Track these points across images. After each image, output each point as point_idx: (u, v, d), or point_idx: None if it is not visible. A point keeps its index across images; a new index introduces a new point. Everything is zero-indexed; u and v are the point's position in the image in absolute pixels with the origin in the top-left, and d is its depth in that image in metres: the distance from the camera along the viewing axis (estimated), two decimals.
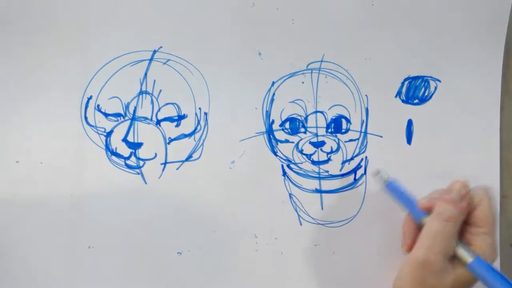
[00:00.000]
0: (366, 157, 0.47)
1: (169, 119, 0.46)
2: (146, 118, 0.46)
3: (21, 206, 0.45)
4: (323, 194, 0.47)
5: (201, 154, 0.46)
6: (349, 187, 0.47)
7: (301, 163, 0.47)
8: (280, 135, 0.47)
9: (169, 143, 0.46)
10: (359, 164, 0.47)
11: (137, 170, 0.46)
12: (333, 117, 0.47)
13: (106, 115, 0.46)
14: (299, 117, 0.47)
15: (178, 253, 0.46)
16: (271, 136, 0.47)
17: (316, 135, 0.47)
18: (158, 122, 0.46)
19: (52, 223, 0.45)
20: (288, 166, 0.47)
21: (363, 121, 0.47)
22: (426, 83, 0.47)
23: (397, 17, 0.47)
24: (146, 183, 0.46)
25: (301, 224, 0.46)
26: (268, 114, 0.47)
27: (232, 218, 0.46)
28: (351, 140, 0.47)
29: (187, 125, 0.46)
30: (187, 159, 0.46)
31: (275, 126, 0.47)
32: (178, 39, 0.46)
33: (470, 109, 0.47)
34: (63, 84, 0.46)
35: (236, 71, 0.47)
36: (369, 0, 0.47)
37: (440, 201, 0.38)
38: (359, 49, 0.47)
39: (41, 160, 0.45)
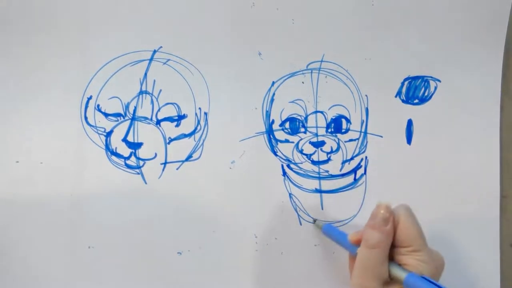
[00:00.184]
0: (366, 157, 0.47)
1: (169, 119, 0.46)
2: (146, 118, 0.46)
3: (21, 206, 0.45)
4: (323, 194, 0.47)
5: (201, 154, 0.46)
6: (349, 187, 0.47)
7: (301, 163, 0.47)
8: (280, 135, 0.47)
9: (169, 143, 0.46)
10: (359, 164, 0.47)
11: (137, 170, 0.46)
12: (333, 117, 0.47)
13: (106, 115, 0.46)
14: (299, 117, 0.47)
15: (178, 253, 0.46)
16: (271, 136, 0.47)
17: (316, 135, 0.47)
18: (158, 122, 0.46)
19: (52, 223, 0.45)
20: (288, 166, 0.47)
21: (363, 121, 0.47)
22: (426, 83, 0.47)
23: (397, 17, 0.47)
24: (146, 183, 0.46)
25: (301, 224, 0.46)
26: (268, 114, 0.47)
27: (232, 218, 0.46)
28: (351, 140, 0.47)
29: (187, 125, 0.46)
30: (187, 159, 0.46)
31: (275, 126, 0.47)
32: (178, 39, 0.46)
33: (470, 109, 0.47)
34: (63, 84, 0.46)
35: (236, 71, 0.47)
36: (369, 0, 0.47)
37: (366, 229, 0.38)
38: (359, 49, 0.47)
39: (41, 160, 0.45)
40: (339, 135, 0.47)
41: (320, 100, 0.47)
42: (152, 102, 0.46)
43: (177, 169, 0.46)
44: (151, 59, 0.46)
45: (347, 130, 0.47)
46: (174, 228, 0.46)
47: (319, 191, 0.47)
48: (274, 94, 0.47)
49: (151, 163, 0.46)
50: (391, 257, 0.37)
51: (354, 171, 0.47)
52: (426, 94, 0.47)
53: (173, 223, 0.46)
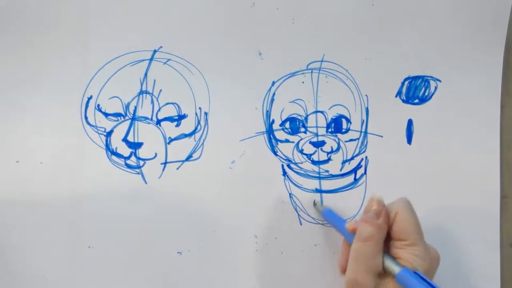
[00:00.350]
0: (366, 157, 0.47)
1: (169, 119, 0.46)
2: (146, 118, 0.46)
3: (21, 206, 0.45)
4: (323, 194, 0.47)
5: (201, 154, 0.46)
6: (349, 187, 0.47)
7: (301, 163, 0.47)
8: (280, 135, 0.47)
9: (169, 143, 0.46)
10: (359, 164, 0.47)
11: (137, 170, 0.46)
12: (333, 117, 0.47)
13: (106, 115, 0.46)
14: (299, 117, 0.47)
15: (178, 253, 0.46)
16: (271, 136, 0.47)
17: (316, 135, 0.47)
18: (158, 122, 0.46)
19: (52, 223, 0.45)
20: (288, 166, 0.47)
21: (363, 121, 0.47)
22: (426, 83, 0.47)
23: (397, 17, 0.47)
24: (146, 183, 0.46)
25: (301, 224, 0.46)
26: (268, 114, 0.47)
27: (232, 218, 0.46)
28: (351, 140, 0.47)
29: (187, 125, 0.46)
30: (187, 159, 0.46)
31: (275, 126, 0.47)
32: (178, 39, 0.46)
33: (470, 109, 0.47)
34: (63, 84, 0.46)
35: (236, 71, 0.47)
36: (369, 0, 0.47)
37: (359, 222, 0.38)
38: (359, 49, 0.47)
39: (41, 160, 0.45)
40: (339, 135, 0.47)
41: (320, 100, 0.47)
42: (152, 102, 0.46)
43: (177, 169, 0.46)
44: (151, 59, 0.46)
45: (347, 130, 0.47)
46: (174, 228, 0.46)
47: (319, 191, 0.47)
48: (274, 94, 0.47)
49: (151, 163, 0.46)
50: (387, 250, 0.37)
51: (354, 171, 0.47)
52: (426, 94, 0.47)
53: (173, 223, 0.46)
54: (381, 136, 0.47)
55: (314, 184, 0.47)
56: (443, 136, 0.47)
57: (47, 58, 0.46)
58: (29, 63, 0.46)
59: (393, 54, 0.47)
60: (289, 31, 0.47)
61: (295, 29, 0.47)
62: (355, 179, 0.47)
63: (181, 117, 0.46)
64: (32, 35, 0.46)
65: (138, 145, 0.46)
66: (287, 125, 0.47)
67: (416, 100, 0.47)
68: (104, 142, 0.46)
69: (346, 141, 0.47)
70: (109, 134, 0.46)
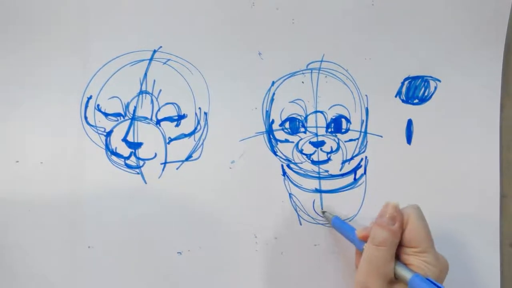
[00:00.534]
0: (366, 157, 0.47)
1: (169, 119, 0.46)
2: (146, 118, 0.46)
3: (21, 206, 0.45)
4: (323, 194, 0.47)
5: (201, 154, 0.46)
6: (349, 187, 0.47)
7: (301, 163, 0.47)
8: (280, 135, 0.47)
9: (169, 143, 0.46)
10: (359, 164, 0.47)
11: (137, 170, 0.46)
12: (333, 117, 0.47)
13: (106, 115, 0.46)
14: (299, 117, 0.47)
15: (178, 253, 0.46)
16: (271, 136, 0.47)
17: (316, 135, 0.47)
18: (158, 122, 0.46)
19: (52, 223, 0.45)
20: (288, 166, 0.47)
21: (363, 121, 0.47)
22: (426, 83, 0.47)
23: (397, 17, 0.47)
24: (146, 183, 0.46)
25: (301, 224, 0.46)
26: (268, 114, 0.47)
27: (232, 218, 0.46)
28: (351, 140, 0.47)
29: (187, 125, 0.46)
30: (187, 159, 0.46)
31: (275, 126, 0.47)
32: (178, 39, 0.46)
33: (470, 109, 0.47)
34: (63, 84, 0.46)
35: (236, 71, 0.47)
36: (369, 0, 0.47)
37: (374, 226, 0.38)
38: (359, 49, 0.47)
39: (41, 160, 0.45)
40: (339, 135, 0.47)
41: (320, 100, 0.47)
42: (152, 102, 0.46)
43: (177, 169, 0.46)
44: (151, 59, 0.46)
45: (347, 130, 0.47)
46: (174, 228, 0.46)
47: (319, 191, 0.47)
48: (274, 94, 0.47)
49: (151, 163, 0.46)
50: (397, 256, 0.37)
51: (354, 171, 0.47)
52: (426, 94, 0.47)
53: (173, 223, 0.46)
54: (381, 136, 0.47)
55: (314, 184, 0.47)
56: (443, 136, 0.47)
57: (47, 58, 0.46)
58: (29, 63, 0.46)
59: (393, 54, 0.47)
60: (289, 31, 0.47)
61: (295, 29, 0.47)
62: (354, 179, 0.47)
63: (181, 117, 0.46)
64: (32, 35, 0.46)
65: (138, 145, 0.46)
66: (287, 125, 0.47)
67: (416, 100, 0.47)
68: (104, 142, 0.46)
69: (345, 141, 0.47)
70: (109, 134, 0.46)
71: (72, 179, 0.45)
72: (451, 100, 0.47)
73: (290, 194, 0.46)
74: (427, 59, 0.47)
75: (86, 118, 0.46)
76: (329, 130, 0.47)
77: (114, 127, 0.46)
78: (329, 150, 0.47)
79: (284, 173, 0.47)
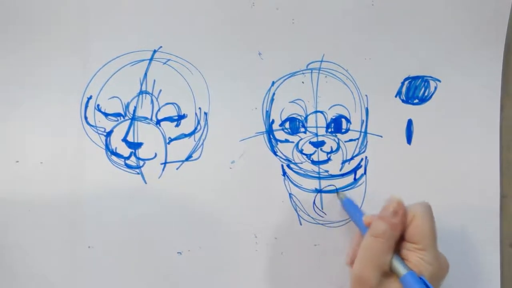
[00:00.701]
0: (366, 157, 0.47)
1: (169, 119, 0.46)
2: (146, 118, 0.46)
3: (21, 206, 0.45)
4: (323, 194, 0.47)
5: (201, 154, 0.46)
6: (349, 187, 0.47)
7: (301, 163, 0.47)
8: (280, 135, 0.47)
9: (169, 143, 0.46)
10: (359, 164, 0.47)
11: (137, 170, 0.46)
12: (333, 117, 0.47)
13: (106, 115, 0.46)
14: (299, 117, 0.47)
15: (178, 253, 0.46)
16: (271, 136, 0.47)
17: (316, 135, 0.47)
18: (158, 122, 0.46)
19: (52, 223, 0.45)
20: (288, 166, 0.47)
21: (363, 121, 0.47)
22: (426, 83, 0.47)
23: (397, 17, 0.47)
24: (146, 183, 0.46)
25: (301, 224, 0.46)
26: (268, 114, 0.47)
27: (232, 218, 0.46)
28: (351, 140, 0.47)
29: (187, 125, 0.46)
30: (187, 159, 0.46)
31: (275, 126, 0.47)
32: (178, 39, 0.46)
33: (470, 109, 0.47)
34: (63, 84, 0.46)
35: (236, 71, 0.47)
36: (369, 0, 0.47)
37: (375, 218, 0.38)
38: (359, 49, 0.47)
39: (41, 160, 0.45)
40: (339, 135, 0.47)
41: (320, 100, 0.47)
42: (152, 102, 0.46)
43: (177, 169, 0.46)
44: (151, 59, 0.46)
45: (347, 130, 0.47)
46: (174, 228, 0.46)
47: (319, 191, 0.47)
48: (274, 94, 0.47)
49: (151, 163, 0.46)
50: (398, 250, 0.37)
51: (354, 171, 0.47)
52: (426, 94, 0.47)
53: (173, 223, 0.46)
54: (381, 136, 0.47)
55: (314, 184, 0.47)
56: (443, 136, 0.47)
57: (47, 58, 0.46)
58: (29, 63, 0.46)
59: (393, 54, 0.47)
60: (289, 31, 0.47)
61: (295, 29, 0.47)
62: (355, 179, 0.47)
63: (181, 117, 0.46)
64: (32, 35, 0.46)
65: (138, 145, 0.46)
66: (287, 125, 0.47)
67: (416, 100, 0.47)
68: (104, 142, 0.46)
69: (346, 141, 0.47)
70: (109, 134, 0.46)
71: (72, 179, 0.45)
72: (451, 100, 0.47)
73: (290, 194, 0.46)
74: (427, 59, 0.47)
75: (86, 118, 0.46)
76: (329, 130, 0.47)
77: (114, 127, 0.46)
78: (329, 150, 0.47)
79: (284, 173, 0.47)
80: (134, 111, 0.46)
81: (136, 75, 0.46)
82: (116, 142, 0.46)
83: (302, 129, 0.47)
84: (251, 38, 0.47)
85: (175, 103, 0.46)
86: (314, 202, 0.47)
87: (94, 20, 0.46)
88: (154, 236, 0.46)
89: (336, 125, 0.47)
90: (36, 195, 0.45)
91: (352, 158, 0.47)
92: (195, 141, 0.46)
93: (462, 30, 0.47)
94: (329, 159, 0.47)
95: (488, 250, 0.46)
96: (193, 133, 0.46)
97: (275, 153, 0.47)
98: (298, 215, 0.46)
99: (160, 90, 0.46)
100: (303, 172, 0.47)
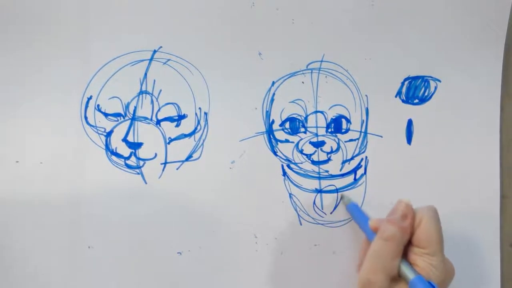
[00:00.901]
0: (366, 157, 0.47)
1: (169, 119, 0.46)
2: (146, 118, 0.46)
3: (21, 206, 0.45)
4: (323, 194, 0.47)
5: (201, 154, 0.46)
6: (349, 187, 0.47)
7: (301, 163, 0.47)
8: (280, 135, 0.47)
9: (169, 143, 0.46)
10: (359, 164, 0.47)
11: (137, 170, 0.46)
12: (333, 117, 0.47)
13: (106, 115, 0.46)
14: (299, 117, 0.47)
15: (178, 253, 0.46)
16: (271, 136, 0.47)
17: (316, 135, 0.47)
18: (158, 122, 0.46)
19: (52, 223, 0.45)
20: (288, 166, 0.47)
21: (363, 121, 0.47)
22: (426, 83, 0.47)
23: (397, 17, 0.47)
24: (146, 183, 0.46)
25: (301, 224, 0.46)
26: (268, 114, 0.47)
27: (232, 218, 0.46)
28: (351, 140, 0.47)
29: (187, 125, 0.46)
30: (187, 159, 0.46)
31: (275, 126, 0.47)
32: (178, 39, 0.46)
33: (470, 109, 0.47)
34: (63, 84, 0.46)
35: (236, 71, 0.47)
36: (369, 0, 0.47)
37: (384, 221, 0.38)
38: (359, 49, 0.47)
39: (41, 160, 0.45)
40: (339, 135, 0.47)
41: (320, 100, 0.47)
42: (152, 102, 0.46)
43: (177, 169, 0.46)
44: (151, 59, 0.46)
45: (347, 130, 0.47)
46: (174, 228, 0.46)
47: (319, 191, 0.47)
48: (274, 94, 0.47)
49: (151, 163, 0.46)
50: (405, 255, 0.37)
51: (354, 171, 0.47)
52: (426, 94, 0.47)
53: (173, 223, 0.46)
54: (381, 136, 0.47)
55: (314, 184, 0.47)
56: (443, 136, 0.47)
57: (47, 58, 0.46)
58: (29, 63, 0.46)
59: (393, 54, 0.47)
60: (289, 31, 0.47)
61: (295, 29, 0.47)
62: (355, 179, 0.47)
63: (181, 117, 0.46)
64: (32, 35, 0.46)
65: (138, 145, 0.46)
66: (287, 125, 0.47)
67: (416, 100, 0.47)
68: (104, 142, 0.46)
69: (346, 141, 0.47)
70: (109, 134, 0.46)
71: (72, 179, 0.45)
72: (451, 100, 0.47)
73: (290, 194, 0.46)
74: (427, 59, 0.47)
75: (86, 118, 0.46)
76: (329, 130, 0.47)
77: (114, 127, 0.46)
78: (329, 150, 0.47)
79: (284, 173, 0.47)
80: (134, 111, 0.46)
81: (136, 75, 0.46)
82: (116, 142, 0.46)
83: (302, 129, 0.47)
84: (251, 38, 0.47)
85: (175, 103, 0.46)
86: (314, 202, 0.47)
87: (94, 20, 0.46)
88: (154, 236, 0.46)
89: (336, 125, 0.47)
90: (36, 195, 0.45)
91: (352, 158, 0.47)
92: (195, 141, 0.46)
93: (462, 30, 0.47)
94: (329, 159, 0.47)
95: (488, 250, 0.46)
96: (193, 133, 0.46)
97: (275, 153, 0.47)
98: (298, 215, 0.46)
99: (160, 90, 0.46)
100: (303, 172, 0.47)
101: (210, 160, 0.46)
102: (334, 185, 0.47)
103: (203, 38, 0.47)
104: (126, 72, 0.46)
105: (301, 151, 0.47)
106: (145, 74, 0.46)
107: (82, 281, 0.45)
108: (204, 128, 0.46)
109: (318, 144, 0.47)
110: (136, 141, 0.46)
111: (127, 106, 0.46)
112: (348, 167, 0.47)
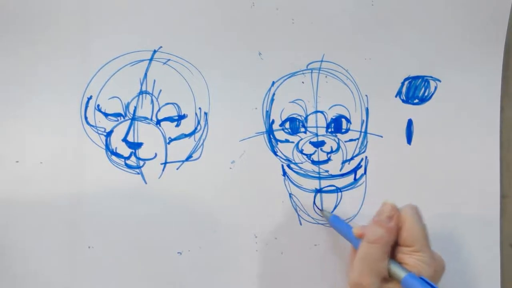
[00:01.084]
0: (366, 157, 0.47)
1: (169, 119, 0.46)
2: (146, 118, 0.46)
3: (21, 206, 0.45)
4: (323, 194, 0.47)
5: (201, 154, 0.46)
6: (349, 187, 0.47)
7: (301, 163, 0.47)
8: (280, 135, 0.47)
9: (169, 143, 0.46)
10: (359, 164, 0.47)
11: (137, 170, 0.46)
12: (333, 117, 0.47)
13: (106, 115, 0.46)
14: (299, 117, 0.47)
15: (178, 253, 0.46)
16: (271, 136, 0.47)
17: (316, 135, 0.47)
18: (158, 122, 0.46)
19: (52, 223, 0.45)
20: (288, 166, 0.47)
21: (363, 121, 0.47)
22: (426, 83, 0.47)
23: (397, 17, 0.47)
24: (146, 183, 0.46)
25: (301, 224, 0.46)
26: (268, 114, 0.47)
27: (232, 218, 0.46)
28: (351, 140, 0.47)
29: (187, 125, 0.46)
30: (187, 159, 0.46)
31: (275, 126, 0.47)
32: (178, 39, 0.46)
33: (470, 109, 0.47)
34: (63, 84, 0.46)
35: (236, 71, 0.47)
36: (369, 0, 0.47)
37: (371, 223, 0.38)
38: (359, 49, 0.47)
39: (41, 160, 0.45)
40: (339, 135, 0.47)
41: (320, 100, 0.47)
42: (152, 102, 0.46)
43: (177, 169, 0.46)
44: (151, 59, 0.46)
45: (347, 130, 0.47)
46: (174, 228, 0.46)
47: (319, 191, 0.47)
48: (274, 94, 0.47)
49: (151, 163, 0.46)
50: (393, 256, 0.37)
51: (354, 171, 0.47)
52: (426, 94, 0.47)
53: (173, 223, 0.46)
54: (381, 136, 0.47)
55: (314, 184, 0.47)
56: (443, 136, 0.47)
57: (47, 58, 0.46)
58: (29, 63, 0.46)
59: (393, 54, 0.47)
60: (289, 31, 0.47)
61: (295, 29, 0.47)
62: (355, 179, 0.47)
63: (181, 117, 0.46)
64: (32, 35, 0.46)
65: (138, 145, 0.46)
66: (287, 125, 0.47)
67: (416, 100, 0.47)
68: (104, 142, 0.46)
69: (346, 141, 0.47)
70: (109, 134, 0.46)
71: (72, 179, 0.45)
72: (451, 100, 0.47)
73: (290, 194, 0.46)
74: (427, 59, 0.47)
75: (86, 118, 0.46)
76: (329, 130, 0.47)
77: (114, 127, 0.46)
78: (329, 150, 0.47)
79: (284, 173, 0.47)
80: (134, 111, 0.46)
81: (136, 75, 0.46)
82: (116, 142, 0.46)
83: (302, 129, 0.47)
84: (251, 38, 0.47)
85: (175, 103, 0.46)
86: (314, 202, 0.47)
87: (94, 20, 0.46)
88: (154, 236, 0.46)
89: (336, 125, 0.47)
90: (36, 195, 0.45)
91: (352, 158, 0.47)
92: (195, 141, 0.46)
93: (462, 30, 0.47)
94: (329, 159, 0.47)
95: (488, 250, 0.46)
96: (193, 133, 0.46)
97: (275, 153, 0.47)
98: (298, 215, 0.46)
99: (160, 90, 0.46)
100: (303, 172, 0.47)
101: (210, 160, 0.46)
102: (334, 185, 0.47)
103: (203, 38, 0.47)
104: (126, 72, 0.46)
105: (301, 151, 0.47)
106: (145, 74, 0.46)
107: (82, 281, 0.45)
108: (204, 128, 0.46)
109: (318, 144, 0.47)
110: (136, 141, 0.46)
111: (127, 106, 0.46)
112: (348, 167, 0.47)
